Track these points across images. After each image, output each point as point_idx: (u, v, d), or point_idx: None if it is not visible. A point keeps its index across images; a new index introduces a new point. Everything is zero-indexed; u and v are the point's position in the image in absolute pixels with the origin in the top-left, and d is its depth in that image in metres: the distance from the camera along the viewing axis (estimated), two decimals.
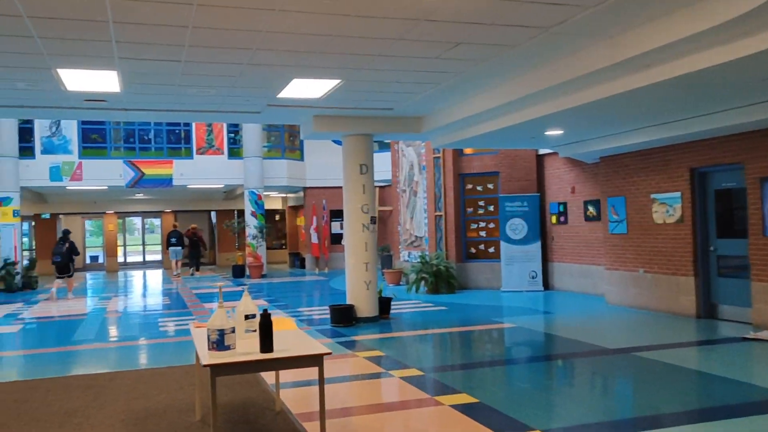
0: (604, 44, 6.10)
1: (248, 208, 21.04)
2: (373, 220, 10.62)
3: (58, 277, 15.84)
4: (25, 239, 24.98)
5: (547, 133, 10.04)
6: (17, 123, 18.87)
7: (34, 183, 19.56)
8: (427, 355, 8.40)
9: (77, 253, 16.10)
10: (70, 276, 15.81)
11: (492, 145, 12.59)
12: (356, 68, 7.18)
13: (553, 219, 14.16)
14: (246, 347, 4.14)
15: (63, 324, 11.68)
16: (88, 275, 24.79)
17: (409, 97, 8.92)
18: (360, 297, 10.51)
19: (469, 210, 15.18)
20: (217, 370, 3.86)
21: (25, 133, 19.51)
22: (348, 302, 10.62)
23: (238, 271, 20.92)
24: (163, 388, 6.43)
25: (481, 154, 14.94)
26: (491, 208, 14.95)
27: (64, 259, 15.55)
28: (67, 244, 15.66)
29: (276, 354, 4.00)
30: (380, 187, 20.52)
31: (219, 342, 3.94)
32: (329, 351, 4.09)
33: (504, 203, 14.36)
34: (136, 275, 24.73)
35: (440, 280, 14.23)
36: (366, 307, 10.48)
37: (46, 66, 6.66)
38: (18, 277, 18.13)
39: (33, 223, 25.74)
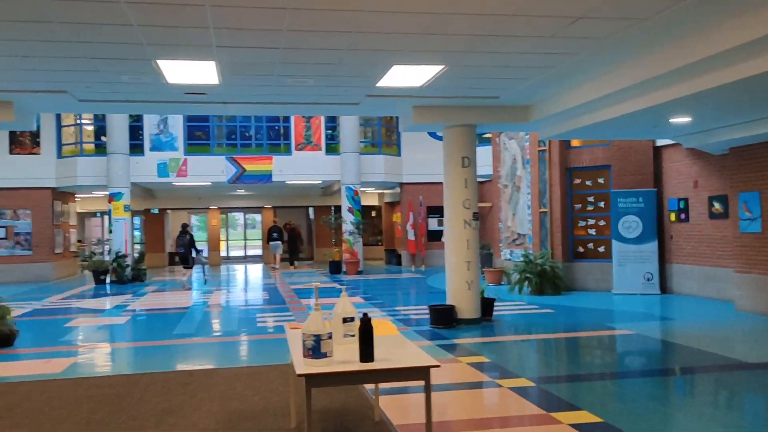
0: (749, 15, 5.23)
1: (345, 204, 20.94)
2: (475, 216, 10.04)
3: (184, 267, 17.03)
4: (137, 233, 26.20)
5: (672, 120, 9.07)
6: (128, 122, 19.65)
7: (143, 179, 20.32)
8: (535, 362, 7.74)
9: (195, 246, 17.10)
10: (192, 266, 16.99)
11: (607, 135, 11.65)
12: (462, 51, 6.64)
13: (672, 216, 12.99)
14: (344, 354, 3.73)
15: (166, 317, 11.87)
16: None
17: (517, 84, 8.27)
18: (461, 297, 9.96)
19: (577, 206, 14.24)
20: (312, 380, 3.46)
21: (135, 130, 20.29)
22: (448, 302, 10.10)
23: (335, 267, 20.86)
24: (258, 388, 6.18)
25: (591, 147, 13.96)
26: (602, 204, 13.94)
27: (187, 250, 16.72)
28: (187, 236, 16.73)
29: (377, 364, 3.56)
30: (479, 182, 19.82)
31: (315, 349, 3.54)
32: (437, 363, 3.61)
33: (616, 199, 13.34)
34: (238, 269, 25.30)
35: (545, 280, 13.42)
36: (467, 308, 9.92)
37: (146, 57, 6.57)
38: (128, 270, 18.87)
39: (143, 218, 26.92)
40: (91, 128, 20.73)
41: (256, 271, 24.03)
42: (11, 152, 19.85)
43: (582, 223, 14.20)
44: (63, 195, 21.32)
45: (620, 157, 13.59)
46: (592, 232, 14.08)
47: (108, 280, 18.72)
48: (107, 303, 14.07)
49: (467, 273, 9.94)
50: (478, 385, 6.44)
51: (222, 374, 6.88)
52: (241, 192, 25.57)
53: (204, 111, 10.72)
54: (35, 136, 19.95)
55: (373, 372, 3.54)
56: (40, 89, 7.86)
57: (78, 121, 20.34)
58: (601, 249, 13.90)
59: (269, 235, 24.87)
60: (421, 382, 3.59)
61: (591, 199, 14.10)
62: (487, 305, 10.27)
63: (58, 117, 20.14)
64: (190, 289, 16.53)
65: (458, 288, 9.99)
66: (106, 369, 7.60)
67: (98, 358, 8.22)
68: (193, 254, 16.98)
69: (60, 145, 20.23)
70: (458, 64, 7.17)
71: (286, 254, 24.69)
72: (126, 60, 6.69)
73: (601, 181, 13.98)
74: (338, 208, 23.02)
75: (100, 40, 5.98)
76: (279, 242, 24.24)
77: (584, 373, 6.94)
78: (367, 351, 3.62)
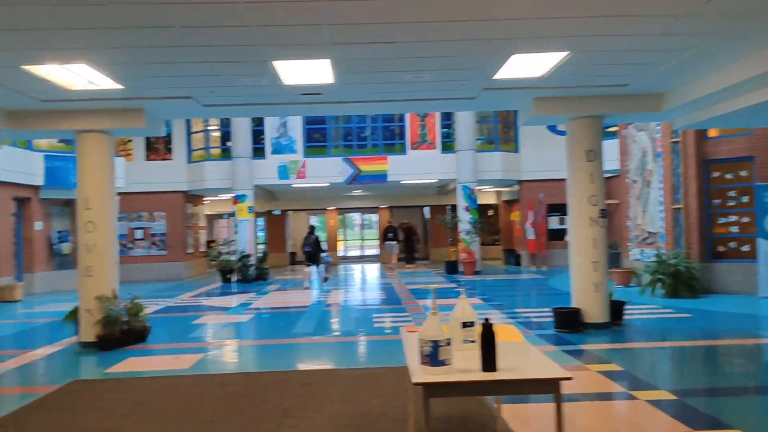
0: None
1: (461, 202, 20.58)
2: (602, 213, 9.39)
3: (307, 266, 17.73)
4: (260, 234, 27.24)
5: None
6: (251, 126, 20.43)
7: (265, 181, 21.04)
8: (673, 372, 7.07)
9: (321, 246, 17.79)
10: (317, 265, 17.60)
11: (749, 123, 10.54)
12: (588, 35, 6.16)
13: None
14: (463, 362, 3.46)
15: (287, 315, 12.11)
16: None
17: (649, 70, 7.61)
18: (587, 300, 9.36)
19: (716, 202, 13.06)
20: (430, 390, 3.22)
21: (258, 134, 21.06)
22: (573, 305, 9.52)
23: (451, 267, 20.56)
24: (376, 391, 6.04)
25: (731, 137, 12.75)
26: (744, 199, 12.69)
27: (313, 249, 17.39)
28: (313, 236, 17.51)
29: (501, 375, 3.26)
30: (606, 178, 18.75)
31: (432, 356, 3.30)
32: (569, 375, 3.25)
33: (761, 193, 12.08)
34: (355, 269, 25.63)
35: (679, 282, 12.40)
36: (594, 312, 9.30)
37: (263, 58, 6.63)
38: (252, 269, 19.59)
39: (265, 219, 27.96)
40: (217, 134, 21.76)
41: (372, 270, 24.23)
42: (147, 158, 21.24)
43: (722, 220, 13.00)
44: (193, 198, 22.54)
45: (764, 148, 12.30)
46: (734, 229, 12.85)
47: (234, 279, 19.53)
48: (233, 301, 14.62)
49: (594, 274, 9.32)
50: (609, 396, 5.94)
51: (341, 375, 6.82)
52: (358, 192, 25.90)
53: (320, 111, 10.82)
54: (168, 143, 21.23)
55: (496, 383, 3.25)
56: (168, 95, 8.19)
57: (206, 127, 21.41)
58: (745, 248, 12.64)
59: (385, 235, 25.06)
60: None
61: (732, 193, 12.87)
62: (616, 308, 9.59)
63: (188, 124, 21.32)
64: (309, 288, 16.91)
65: (584, 290, 9.40)
66: (230, 366, 7.79)
67: (222, 355, 8.46)
68: (320, 254, 17.60)
69: (190, 150, 21.39)
70: (584, 50, 6.68)
71: (402, 254, 24.71)
72: (244, 63, 6.79)
73: (743, 173, 12.72)
74: (454, 207, 22.70)
75: (219, 44, 6.08)
76: (394, 242, 24.34)
77: (730, 386, 6.22)
78: (489, 359, 3.33)
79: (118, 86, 7.59)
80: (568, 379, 3.21)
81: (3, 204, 15.99)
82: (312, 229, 18.07)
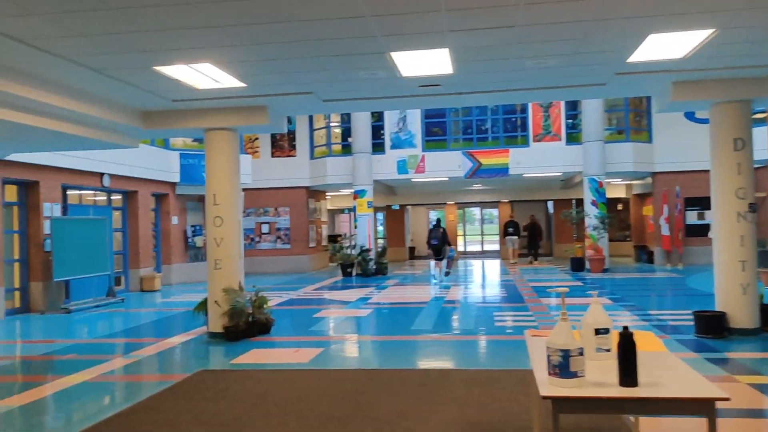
0: None
1: (588, 196, 19.57)
2: (751, 207, 8.46)
3: (435, 259, 17.71)
4: (379, 228, 27.49)
5: None
6: (370, 122, 20.58)
7: (384, 176, 21.13)
8: None
9: (448, 240, 17.71)
10: (441, 259, 17.51)
11: None
12: (738, 9, 5.48)
13: None
14: (597, 374, 3.10)
15: (406, 311, 12.02)
16: (431, 263, 26.08)
17: None
18: (734, 302, 8.47)
19: None
20: (560, 405, 2.90)
21: (377, 130, 21.18)
22: (717, 308, 8.66)
23: (577, 264, 19.62)
24: (496, 396, 5.73)
25: None
26: None
27: (440, 242, 17.36)
28: (440, 230, 17.52)
29: (643, 391, 2.88)
30: (755, 168, 17.10)
31: (562, 367, 2.97)
32: (725, 395, 2.81)
33: None
34: (475, 264, 25.20)
35: None
36: (742, 316, 8.40)
37: (380, 50, 6.49)
38: (371, 263, 19.76)
39: (385, 214, 28.17)
40: (338, 130, 22.13)
41: (493, 266, 23.68)
42: (273, 156, 22.01)
43: None
44: (315, 193, 23.10)
45: None
46: None
47: (354, 273, 19.79)
48: (352, 295, 14.76)
49: (742, 274, 8.42)
50: (762, 414, 5.26)
51: (459, 376, 6.57)
52: (478, 186, 25.40)
53: (439, 104, 10.58)
54: (292, 140, 21.87)
55: (637, 401, 2.86)
56: (289, 92, 8.30)
57: (327, 124, 21.85)
58: None
59: (505, 230, 24.48)
60: None
61: None
62: (767, 313, 8.62)
63: (311, 121, 21.85)
64: (440, 281, 16.94)
65: (730, 291, 8.51)
66: (348, 362, 7.77)
67: (341, 350, 8.47)
68: (445, 248, 17.47)
69: (312, 147, 21.92)
70: (731, 26, 5.97)
71: (523, 249, 23.98)
72: (362, 55, 6.69)
73: None
74: (580, 201, 21.65)
75: (337, 36, 6.01)
76: (515, 237, 23.69)
77: None
78: (628, 373, 2.95)
79: (241, 84, 7.77)
80: (725, 399, 2.77)
81: (144, 200, 17.14)
82: (438, 222, 18.17)
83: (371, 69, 7.27)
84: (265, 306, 9.52)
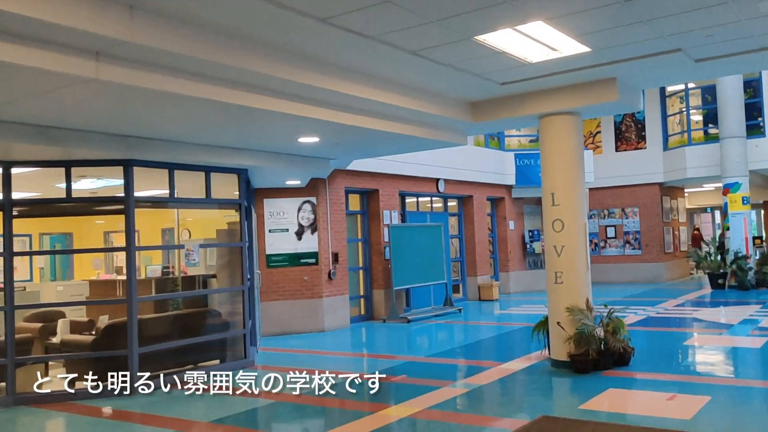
0: None
1: None
2: None
3: None
4: (756, 230, 22.56)
5: None
6: (743, 98, 16.65)
7: (763, 164, 16.94)
8: None
9: None
10: None
11: None
12: None
13: None
14: None
15: None
16: None
17: None
18: None
19: None
20: None
21: (752, 108, 17.09)
22: None
23: None
24: None
25: None
26: None
27: None
28: None
29: None
30: None
31: None
32: None
33: None
34: None
35: None
36: None
37: None
38: (750, 273, 15.89)
39: (762, 212, 23.11)
40: (698, 117, 18.60)
41: None
42: (617, 150, 19.49)
43: None
44: (670, 190, 19.83)
45: None
46: None
47: (726, 285, 16.13)
48: (731, 315, 11.66)
49: None
50: None
51: None
52: None
53: None
54: (640, 130, 19.07)
55: None
56: (649, 52, 6.26)
57: (682, 109, 18.48)
58: None
59: None
60: None
61: None
62: None
63: (663, 106, 18.73)
64: None
65: None
66: (753, 424, 5.39)
67: (738, 400, 6.06)
68: None
69: (666, 136, 18.78)
70: None
71: None
72: None
73: None
74: None
75: None
76: None
77: None
78: None
79: (584, 49, 6.04)
80: None
81: (479, 204, 16.41)
82: None
83: None
84: (621, 332, 7.55)
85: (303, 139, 7.68)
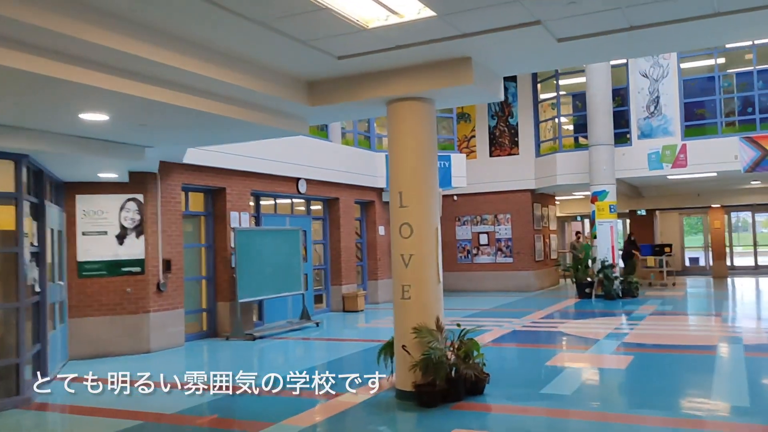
0: None
1: None
2: None
3: None
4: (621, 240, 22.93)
5: None
6: (611, 106, 16.51)
7: (630, 173, 16.91)
8: None
9: None
10: None
11: None
12: None
13: None
14: None
15: (681, 361, 8.15)
16: (688, 281, 20.91)
17: None
18: None
19: None
20: None
21: (620, 117, 17.05)
22: None
23: None
24: None
25: None
26: None
27: None
28: None
29: None
30: None
31: None
32: None
33: None
34: (744, 284, 19.59)
35: None
36: None
37: None
38: (616, 283, 15.71)
39: (628, 221, 23.58)
40: (569, 125, 18.47)
41: None
42: (491, 155, 18.97)
43: None
44: (542, 197, 19.58)
45: None
46: None
47: (593, 294, 15.87)
48: (597, 328, 11.07)
49: None
50: None
51: None
52: (756, 183, 19.77)
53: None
54: (514, 136, 18.65)
55: None
56: (504, 24, 5.21)
57: (555, 115, 18.24)
58: None
59: None
60: None
61: None
62: None
63: (536, 112, 18.41)
64: None
65: None
66: None
67: None
68: None
69: (538, 142, 18.46)
70: None
71: None
72: None
73: None
74: None
75: None
76: None
77: None
78: None
79: (428, 12, 4.89)
80: None
81: (346, 208, 15.17)
82: None
83: None
84: (475, 356, 6.49)
85: (86, 116, 6.01)
